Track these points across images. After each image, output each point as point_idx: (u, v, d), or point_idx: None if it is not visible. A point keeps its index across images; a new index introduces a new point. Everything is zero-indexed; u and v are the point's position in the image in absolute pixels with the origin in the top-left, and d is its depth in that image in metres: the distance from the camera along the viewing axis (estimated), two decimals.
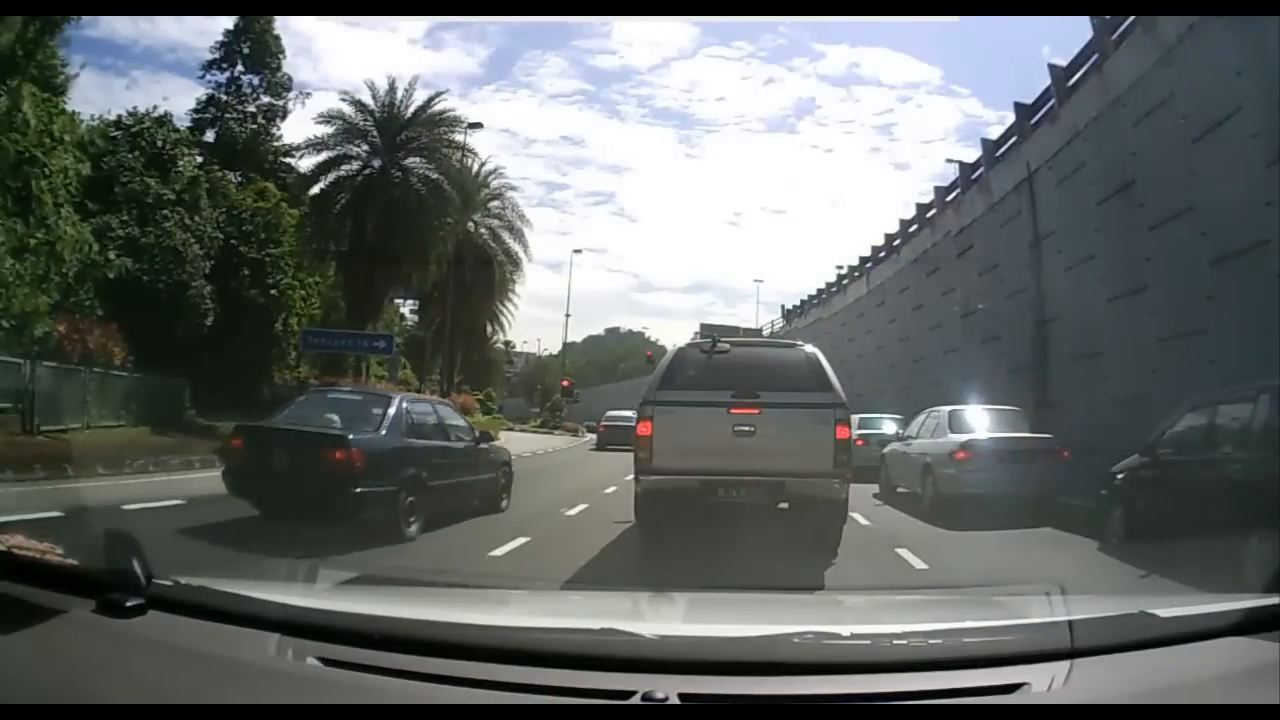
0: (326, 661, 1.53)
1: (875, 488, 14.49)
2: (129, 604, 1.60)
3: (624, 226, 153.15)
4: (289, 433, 8.66)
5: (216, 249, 24.87)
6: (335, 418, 8.92)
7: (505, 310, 41.91)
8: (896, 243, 30.51)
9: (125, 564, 1.66)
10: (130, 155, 23.56)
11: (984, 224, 21.68)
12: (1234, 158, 11.22)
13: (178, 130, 26.66)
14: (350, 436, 8.33)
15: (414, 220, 27.07)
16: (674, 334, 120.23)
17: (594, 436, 34.81)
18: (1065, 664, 1.50)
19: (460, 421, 11.08)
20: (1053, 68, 17.81)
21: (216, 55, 31.77)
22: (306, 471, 7.97)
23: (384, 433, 8.83)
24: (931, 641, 1.69)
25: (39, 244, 16.28)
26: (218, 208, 26.08)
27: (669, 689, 1.38)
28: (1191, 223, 12.24)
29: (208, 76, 32.01)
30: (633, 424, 9.72)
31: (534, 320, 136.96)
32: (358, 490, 8.01)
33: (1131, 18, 14.51)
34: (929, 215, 27.29)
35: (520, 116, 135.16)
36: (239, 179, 29.41)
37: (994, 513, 10.31)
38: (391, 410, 9.15)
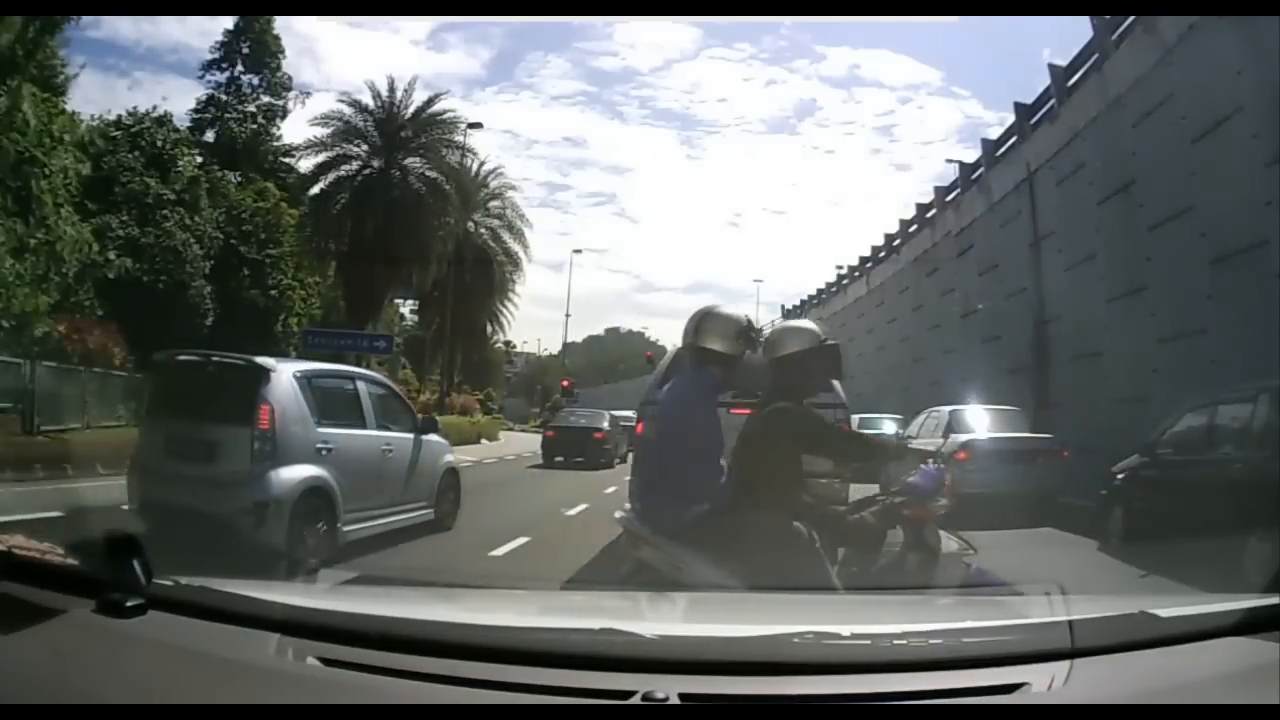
0: (326, 661, 1.52)
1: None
2: (129, 604, 1.60)
3: (625, 227, 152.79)
4: (575, 427, 22.79)
5: (216, 249, 24.90)
6: (584, 420, 23.46)
7: (505, 310, 41.93)
8: (896, 243, 30.51)
9: (125, 564, 1.66)
10: (130, 155, 23.57)
11: (984, 224, 21.69)
12: (1234, 158, 11.22)
13: (178, 130, 26.68)
14: (601, 426, 22.63)
15: (414, 220, 27.09)
16: (674, 334, 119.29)
17: None
18: (1065, 664, 1.50)
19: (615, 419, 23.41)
20: (1053, 68, 17.82)
21: (216, 55, 31.86)
22: (586, 442, 21.98)
23: (606, 425, 22.72)
24: (931, 641, 1.69)
25: (39, 244, 16.28)
26: (218, 208, 26.10)
27: (669, 689, 1.38)
28: (1191, 223, 12.24)
29: (208, 76, 32.11)
30: (633, 424, 9.72)
31: (534, 320, 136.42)
32: (605, 446, 22.01)
33: (1131, 18, 14.52)
34: (929, 215, 27.29)
35: (522, 117, 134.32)
36: (239, 179, 29.43)
37: (994, 513, 10.31)
38: (605, 415, 23.59)
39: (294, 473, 6.99)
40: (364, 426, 8.17)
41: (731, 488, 3.67)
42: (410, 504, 8.77)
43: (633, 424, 9.93)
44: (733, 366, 3.87)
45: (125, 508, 8.13)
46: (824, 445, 4.07)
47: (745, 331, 3.87)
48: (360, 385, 8.48)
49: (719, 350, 3.81)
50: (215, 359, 8.01)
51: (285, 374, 7.36)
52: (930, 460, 4.01)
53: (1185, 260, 12.30)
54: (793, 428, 3.75)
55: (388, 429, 8.55)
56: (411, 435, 8.95)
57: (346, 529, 7.45)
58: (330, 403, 7.79)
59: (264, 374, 7.18)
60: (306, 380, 7.54)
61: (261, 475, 6.79)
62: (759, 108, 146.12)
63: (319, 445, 7.32)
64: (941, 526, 3.88)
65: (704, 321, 3.90)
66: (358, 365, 28.33)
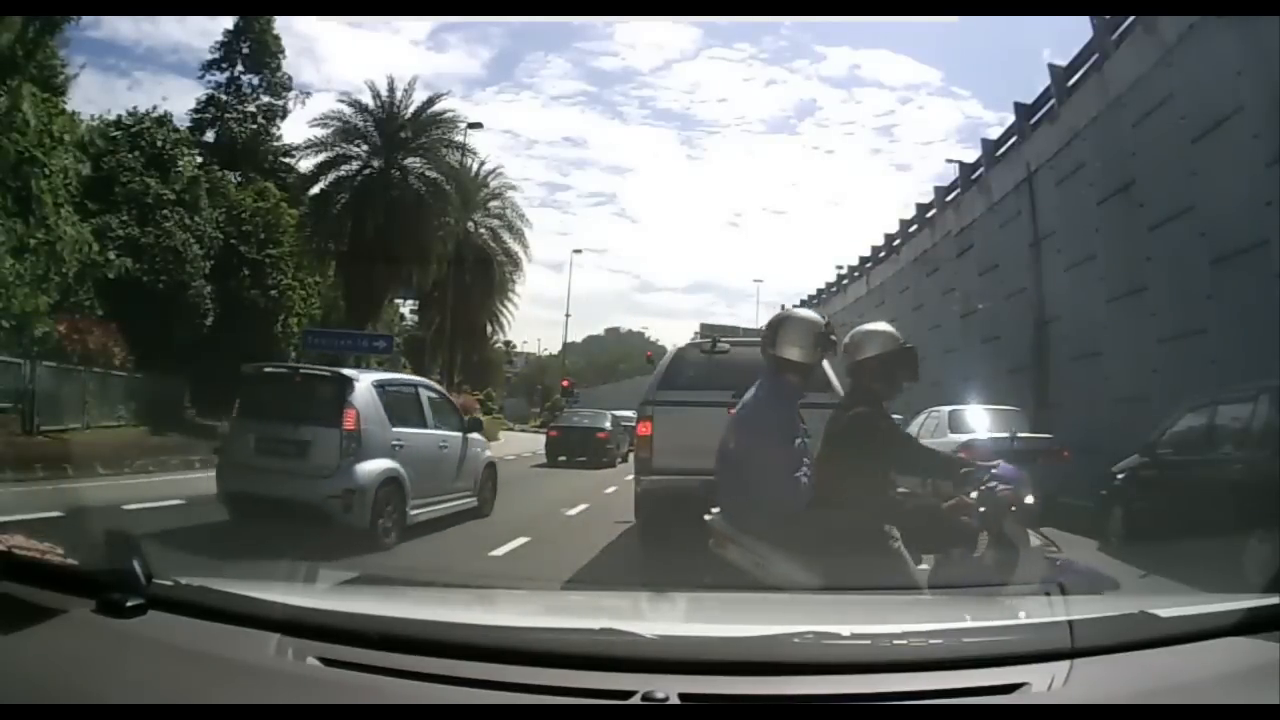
0: (326, 661, 1.52)
1: None
2: (129, 604, 1.60)
3: (625, 227, 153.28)
4: (578, 427, 23.47)
5: (216, 249, 24.83)
6: (586, 420, 24.22)
7: (505, 310, 41.84)
8: (896, 243, 30.51)
9: (125, 564, 1.66)
10: (130, 155, 23.52)
11: (984, 224, 21.69)
12: (1234, 158, 11.22)
13: (178, 130, 26.62)
14: (604, 426, 23.29)
15: (414, 220, 27.06)
16: (674, 334, 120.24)
17: None
18: (1065, 664, 1.50)
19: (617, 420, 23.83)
20: (1053, 68, 17.82)
21: (216, 55, 31.79)
22: (589, 441, 22.42)
23: (609, 426, 23.37)
24: (931, 641, 1.69)
25: (39, 244, 16.26)
26: (218, 208, 26.03)
27: (669, 689, 1.38)
28: (1191, 223, 12.24)
29: (207, 76, 32.01)
30: (633, 424, 9.75)
31: (534, 320, 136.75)
32: (608, 446, 22.48)
33: (1131, 18, 14.52)
34: (929, 215, 27.29)
35: (522, 118, 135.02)
36: (239, 179, 29.37)
37: None
38: (608, 416, 24.19)
39: (374, 465, 8.21)
40: (425, 426, 9.38)
41: (813, 489, 3.73)
42: (459, 492, 9.98)
43: (633, 424, 9.96)
44: (810, 373, 3.91)
45: (125, 508, 8.18)
46: (901, 455, 4.13)
47: (823, 337, 3.87)
48: (421, 391, 9.89)
49: (796, 360, 3.84)
50: (302, 371, 9.57)
51: (365, 383, 8.64)
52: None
53: (1185, 260, 12.30)
54: (874, 433, 3.80)
55: (442, 429, 9.71)
56: (460, 434, 10.10)
57: (412, 512, 8.67)
58: (399, 406, 8.99)
59: (348, 383, 8.45)
60: (381, 388, 8.84)
61: (349, 468, 8.01)
62: (759, 108, 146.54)
63: (393, 442, 8.54)
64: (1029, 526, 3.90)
65: (781, 329, 3.91)
66: (358, 365, 28.59)
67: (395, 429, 8.62)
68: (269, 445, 8.29)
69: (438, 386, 11.52)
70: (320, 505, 7.76)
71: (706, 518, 3.96)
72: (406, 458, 8.60)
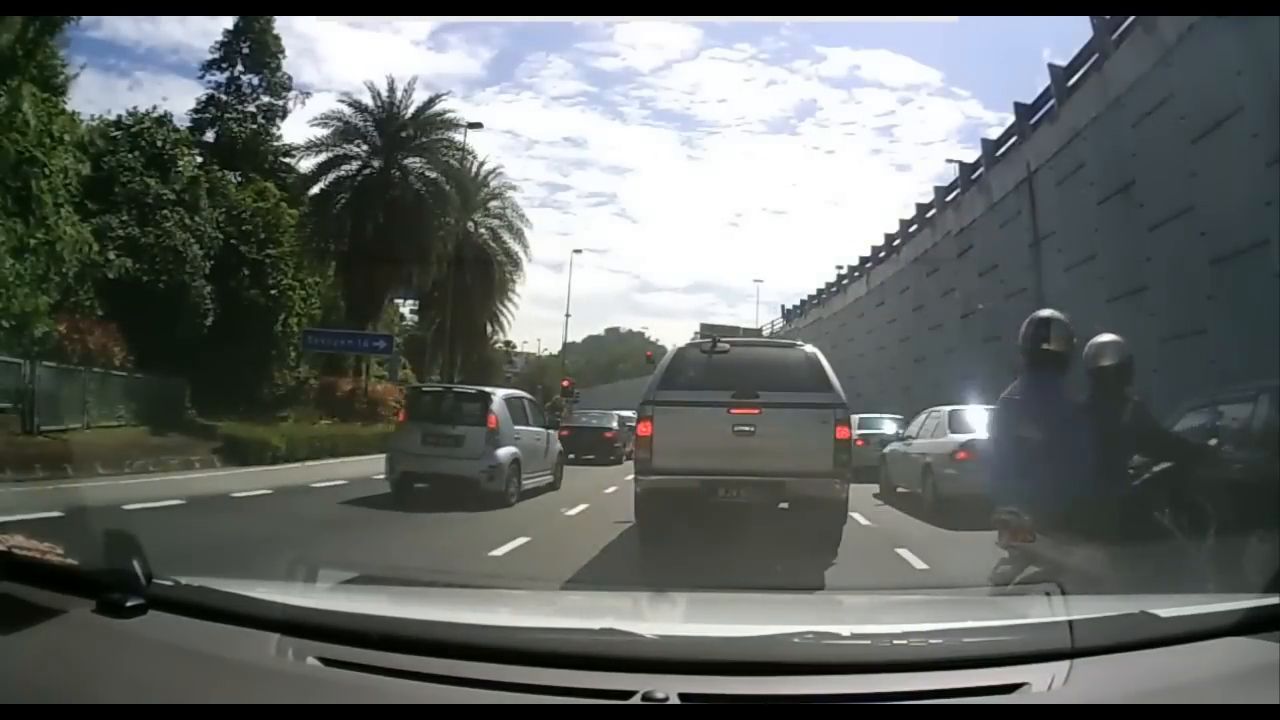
0: (326, 661, 1.52)
1: (875, 488, 14.48)
2: (129, 604, 1.60)
3: (625, 227, 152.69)
4: (587, 427, 23.98)
5: (216, 249, 24.84)
6: (595, 420, 25.35)
7: (505, 310, 41.76)
8: (896, 243, 30.53)
9: (125, 564, 1.66)
10: (130, 155, 23.54)
11: (984, 224, 21.70)
12: (1234, 158, 11.23)
13: (178, 130, 26.65)
14: (611, 426, 24.24)
15: (414, 220, 27.07)
16: (674, 334, 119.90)
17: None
18: (1065, 664, 1.49)
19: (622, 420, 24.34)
20: (1053, 68, 17.85)
21: (216, 55, 31.80)
22: (597, 440, 23.09)
23: (615, 425, 24.02)
24: (931, 641, 1.69)
25: (39, 244, 16.26)
26: (218, 208, 26.05)
27: (669, 689, 1.38)
28: (1191, 223, 12.25)
29: (208, 76, 32.03)
30: (632, 424, 9.78)
31: (534, 320, 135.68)
32: (615, 445, 23.12)
33: (1131, 18, 14.53)
34: (929, 215, 27.31)
35: (522, 118, 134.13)
36: (239, 179, 29.37)
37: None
38: (614, 416, 25.11)
39: (506, 451, 12.24)
40: (529, 424, 13.56)
41: (1100, 469, 4.13)
42: (545, 471, 14.03)
43: (634, 423, 9.97)
44: (1067, 364, 4.43)
45: (125, 508, 8.21)
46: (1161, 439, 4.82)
47: (1072, 334, 4.50)
48: (526, 402, 14.31)
49: (1061, 351, 4.41)
50: (454, 389, 14.59)
51: (499, 396, 13.06)
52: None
53: (1185, 260, 12.31)
54: (1152, 422, 4.45)
55: (536, 426, 13.87)
56: (545, 430, 14.37)
57: (523, 482, 12.60)
58: (516, 411, 13.17)
59: (490, 397, 12.76)
60: (506, 400, 13.15)
61: (491, 453, 12.01)
62: (759, 108, 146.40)
63: (514, 436, 12.57)
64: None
65: (1050, 327, 4.48)
66: (358, 365, 28.59)
67: (515, 427, 12.68)
68: (432, 439, 12.05)
69: (532, 397, 15.78)
70: (474, 478, 11.63)
71: (993, 516, 4.23)
72: (521, 446, 12.60)
